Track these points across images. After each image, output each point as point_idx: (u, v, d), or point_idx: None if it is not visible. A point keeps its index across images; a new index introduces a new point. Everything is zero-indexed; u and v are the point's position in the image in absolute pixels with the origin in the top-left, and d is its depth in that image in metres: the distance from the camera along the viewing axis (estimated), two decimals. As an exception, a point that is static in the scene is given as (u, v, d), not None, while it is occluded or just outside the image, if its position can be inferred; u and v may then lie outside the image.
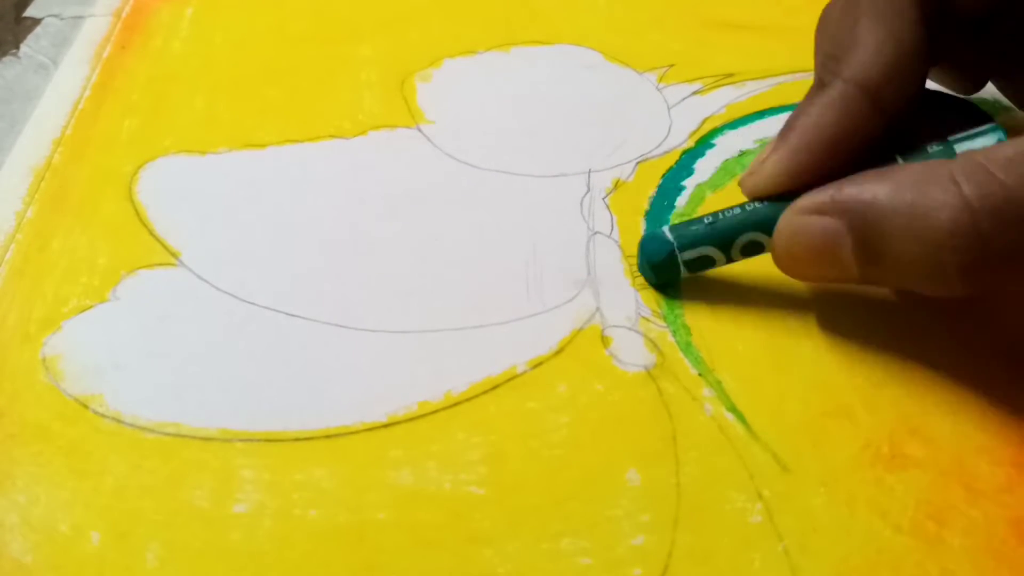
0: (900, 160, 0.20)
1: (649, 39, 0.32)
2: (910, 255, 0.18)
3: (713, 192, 0.26)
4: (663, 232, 0.22)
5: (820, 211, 0.19)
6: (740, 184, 0.21)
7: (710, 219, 0.22)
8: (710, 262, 0.22)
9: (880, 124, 0.20)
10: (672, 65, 0.31)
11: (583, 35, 0.32)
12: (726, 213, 0.21)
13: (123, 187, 0.26)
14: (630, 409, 0.21)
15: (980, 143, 0.20)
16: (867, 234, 0.18)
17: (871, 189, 0.18)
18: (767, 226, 0.21)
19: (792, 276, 0.21)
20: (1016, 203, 0.17)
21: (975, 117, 0.21)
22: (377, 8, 0.34)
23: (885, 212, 0.18)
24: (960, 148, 0.20)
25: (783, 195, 0.20)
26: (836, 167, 0.20)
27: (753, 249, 0.21)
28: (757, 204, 0.21)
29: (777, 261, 0.21)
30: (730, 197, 0.26)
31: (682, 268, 0.22)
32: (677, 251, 0.22)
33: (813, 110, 0.20)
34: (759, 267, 0.23)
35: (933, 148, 0.20)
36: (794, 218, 0.20)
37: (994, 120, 0.20)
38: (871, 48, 0.19)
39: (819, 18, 0.23)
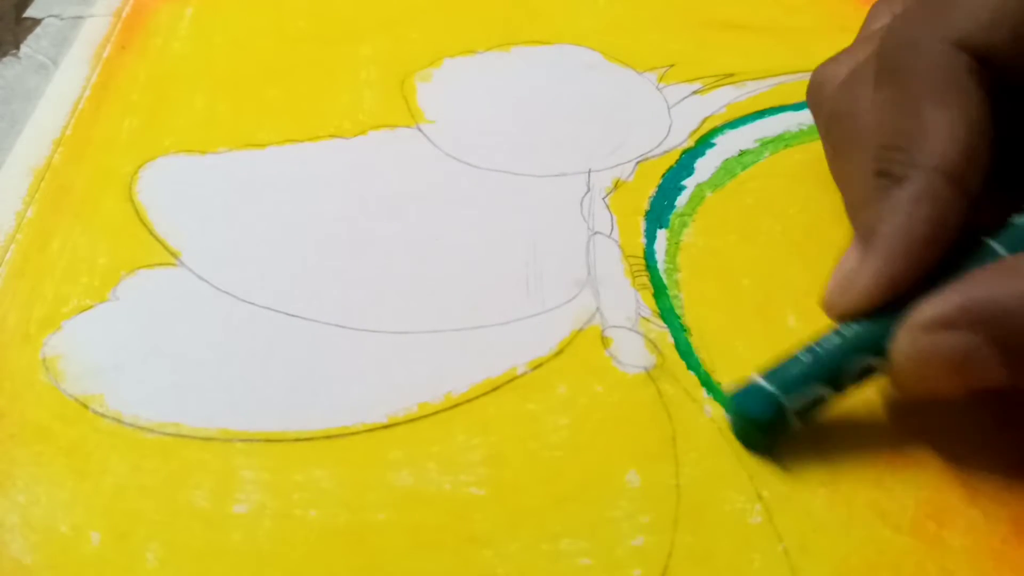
0: (991, 243, 0.18)
1: (649, 39, 0.32)
2: None
3: (713, 191, 0.26)
4: (760, 384, 0.19)
5: (949, 326, 0.17)
6: (827, 305, 0.19)
7: (807, 355, 0.19)
8: (821, 404, 0.19)
9: (967, 211, 0.18)
10: (672, 65, 0.31)
11: (583, 35, 0.32)
12: (823, 344, 0.19)
13: (123, 187, 0.26)
14: (630, 410, 0.20)
15: None
16: (1013, 344, 0.16)
17: (1003, 291, 0.16)
18: (878, 348, 0.18)
19: (917, 395, 0.19)
20: None
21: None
22: (377, 8, 0.34)
23: None
24: None
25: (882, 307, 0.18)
26: (932, 266, 0.18)
27: (867, 376, 0.19)
28: (855, 325, 0.18)
29: (899, 385, 0.18)
30: (730, 196, 0.26)
31: (792, 420, 0.19)
32: (784, 402, 0.19)
33: (899, 209, 0.18)
34: (759, 266, 0.24)
35: (1020, 221, 0.18)
36: (919, 338, 0.17)
37: None
38: (946, 132, 0.18)
39: (816, 93, 0.21)
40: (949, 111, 0.18)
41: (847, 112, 0.21)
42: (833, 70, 0.22)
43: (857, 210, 0.20)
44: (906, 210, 0.18)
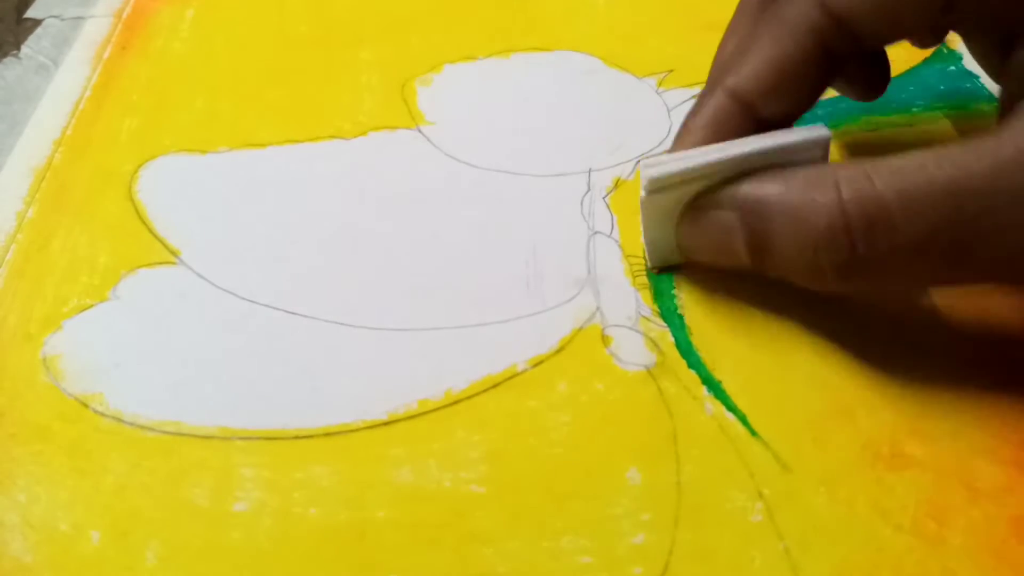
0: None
1: (648, 44, 0.32)
2: (791, 252, 0.19)
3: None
4: None
5: (718, 206, 0.21)
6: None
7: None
8: None
9: (749, 126, 0.21)
10: (671, 70, 0.31)
11: (582, 41, 0.32)
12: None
13: (123, 186, 0.26)
14: (630, 408, 0.20)
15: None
16: (756, 229, 0.20)
17: (764, 188, 0.20)
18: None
19: (694, 260, 0.23)
20: (886, 211, 0.18)
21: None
22: (377, 13, 0.34)
23: (773, 211, 0.19)
24: None
25: None
26: None
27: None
28: None
29: (680, 247, 0.23)
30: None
31: None
32: None
33: (698, 111, 0.22)
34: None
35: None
36: (695, 211, 0.21)
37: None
38: (753, 65, 0.21)
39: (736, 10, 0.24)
40: (770, 51, 0.21)
41: (728, 31, 0.24)
42: None
43: None
44: (702, 115, 0.22)
